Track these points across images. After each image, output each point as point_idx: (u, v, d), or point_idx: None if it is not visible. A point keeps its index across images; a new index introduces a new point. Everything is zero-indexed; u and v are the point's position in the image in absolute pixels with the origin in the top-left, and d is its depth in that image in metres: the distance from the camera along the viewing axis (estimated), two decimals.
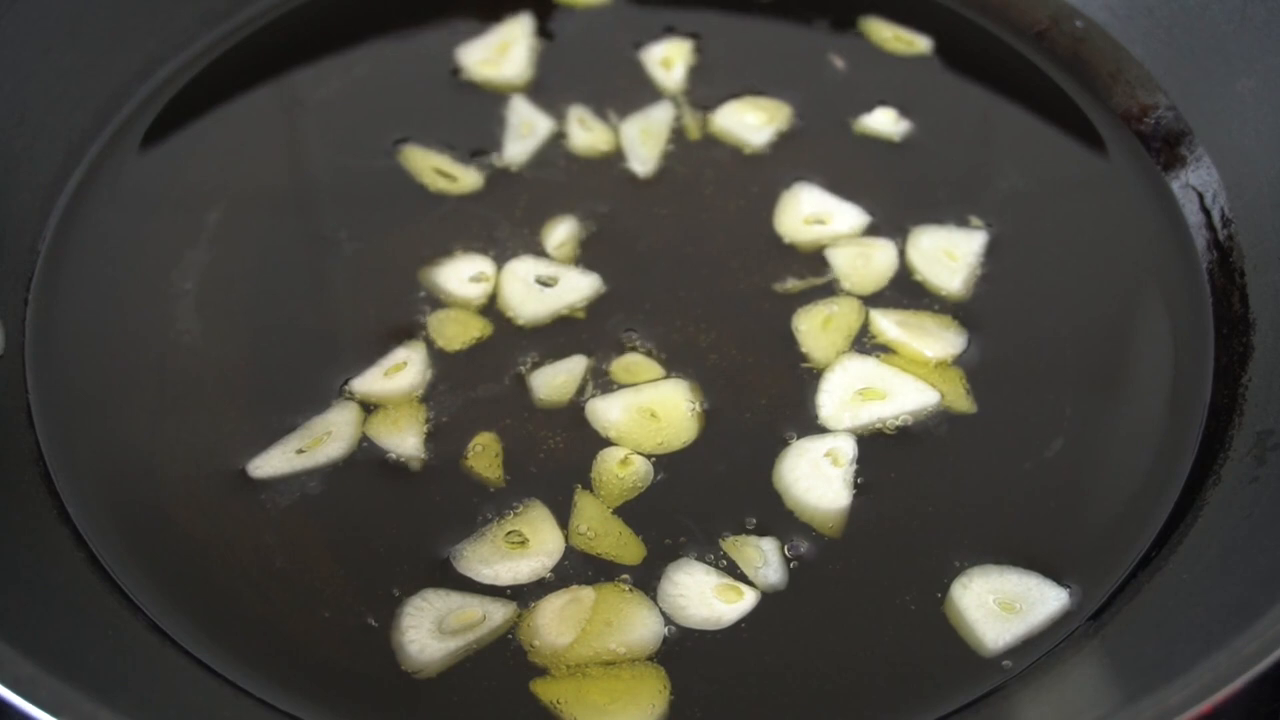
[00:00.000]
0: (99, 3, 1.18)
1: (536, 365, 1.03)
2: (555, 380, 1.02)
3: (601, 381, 1.03)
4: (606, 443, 0.99)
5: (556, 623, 0.91)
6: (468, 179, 1.15)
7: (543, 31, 1.26)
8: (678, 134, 1.19)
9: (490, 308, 1.07)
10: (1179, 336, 1.07)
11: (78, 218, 1.12)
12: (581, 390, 1.02)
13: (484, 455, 0.99)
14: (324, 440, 0.99)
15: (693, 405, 1.01)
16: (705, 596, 0.92)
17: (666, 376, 1.03)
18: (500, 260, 1.09)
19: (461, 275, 1.08)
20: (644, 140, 1.17)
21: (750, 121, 1.20)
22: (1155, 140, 1.19)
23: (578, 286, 1.08)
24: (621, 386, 1.02)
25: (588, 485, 0.97)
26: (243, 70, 1.23)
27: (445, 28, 1.27)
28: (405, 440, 0.99)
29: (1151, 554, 0.95)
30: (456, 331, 1.05)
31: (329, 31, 1.27)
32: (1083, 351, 1.06)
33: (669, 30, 1.26)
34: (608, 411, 1.00)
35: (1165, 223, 1.15)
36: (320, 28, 1.28)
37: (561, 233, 1.11)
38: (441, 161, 1.16)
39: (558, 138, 1.18)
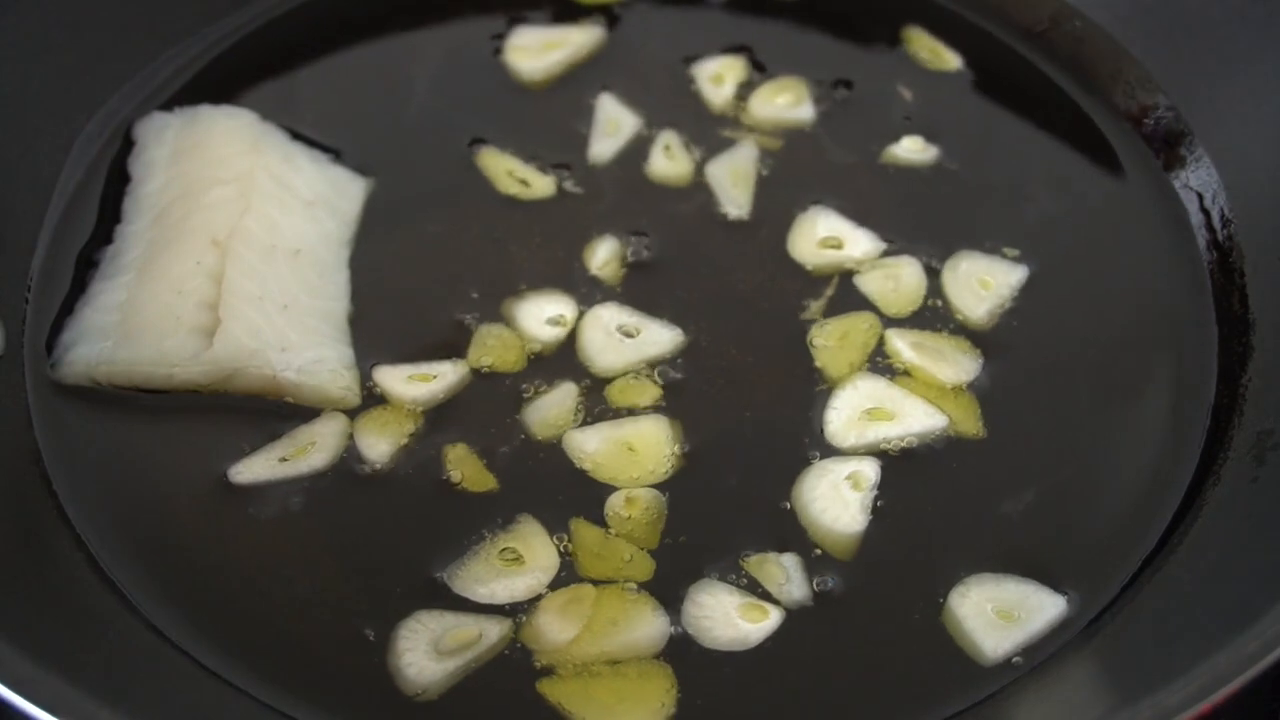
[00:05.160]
0: (99, 2, 1.18)
1: (534, 397, 1.02)
2: (549, 414, 1.01)
3: (596, 407, 1.01)
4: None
5: (558, 620, 0.91)
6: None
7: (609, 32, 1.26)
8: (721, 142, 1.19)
9: (559, 351, 1.05)
10: (1179, 337, 1.07)
11: (78, 217, 1.12)
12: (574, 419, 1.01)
13: (465, 464, 0.98)
14: (307, 450, 0.99)
15: (673, 448, 0.99)
16: (730, 617, 0.91)
17: (662, 400, 1.02)
18: (584, 300, 1.07)
19: (540, 315, 1.06)
20: (734, 182, 1.15)
21: (782, 102, 1.20)
22: (1155, 140, 1.19)
23: (659, 340, 1.05)
24: (614, 412, 1.01)
25: (585, 513, 0.96)
26: (243, 70, 1.23)
27: (478, 23, 1.27)
28: (377, 446, 0.99)
29: (1151, 555, 0.95)
30: (494, 355, 1.03)
31: (335, 29, 1.27)
32: (1085, 355, 1.06)
33: (727, 49, 1.25)
34: (585, 443, 0.99)
35: (1165, 223, 1.15)
36: (325, 27, 1.27)
37: (604, 253, 1.10)
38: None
39: (640, 141, 1.17)
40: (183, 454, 0.99)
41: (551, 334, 1.05)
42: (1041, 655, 0.91)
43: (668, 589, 0.93)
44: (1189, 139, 1.17)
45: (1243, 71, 1.15)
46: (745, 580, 0.93)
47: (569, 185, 1.15)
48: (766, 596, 0.93)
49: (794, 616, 0.92)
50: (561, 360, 1.04)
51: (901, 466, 0.99)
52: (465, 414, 1.01)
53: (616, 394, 1.02)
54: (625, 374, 1.03)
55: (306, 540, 0.96)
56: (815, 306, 1.07)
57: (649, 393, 1.02)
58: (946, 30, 1.27)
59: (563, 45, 1.24)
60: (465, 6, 1.28)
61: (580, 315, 1.06)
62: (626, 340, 1.05)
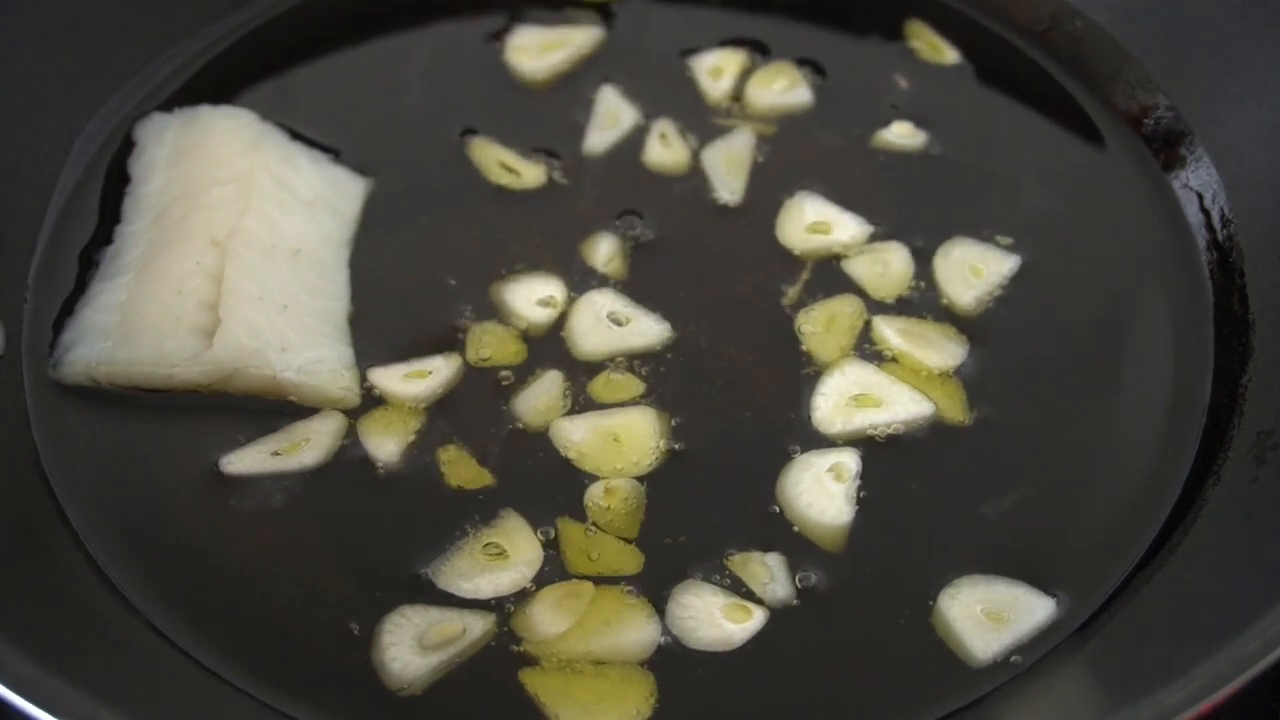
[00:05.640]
0: (99, 2, 1.18)
1: (522, 385, 1.02)
2: (538, 404, 1.01)
3: (581, 395, 1.02)
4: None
5: (552, 612, 0.91)
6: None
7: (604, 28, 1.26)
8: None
9: (548, 333, 1.05)
10: (1179, 337, 1.07)
11: (78, 217, 1.12)
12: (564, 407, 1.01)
13: (459, 461, 0.98)
14: (301, 446, 0.99)
15: (659, 441, 0.99)
16: (714, 617, 0.91)
17: (647, 394, 1.01)
18: (576, 287, 1.07)
19: (531, 296, 1.07)
20: (729, 168, 1.15)
21: (778, 87, 1.20)
22: (1155, 140, 1.19)
23: (646, 333, 1.05)
24: (598, 405, 1.01)
25: (569, 510, 0.96)
26: (242, 70, 1.23)
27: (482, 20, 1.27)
28: (384, 445, 0.99)
29: (1151, 554, 0.95)
30: (490, 348, 1.04)
31: (334, 29, 1.27)
32: (1082, 351, 1.06)
33: (726, 42, 1.25)
34: (572, 432, 0.99)
35: (1165, 223, 1.15)
36: (324, 26, 1.27)
37: (607, 248, 1.10)
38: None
39: (638, 131, 1.18)
40: (182, 454, 0.99)
41: (542, 315, 1.05)
42: (1035, 656, 0.91)
43: (653, 590, 0.93)
44: (1189, 139, 1.17)
45: (1243, 71, 1.15)
46: (729, 580, 0.93)
47: (564, 177, 1.15)
48: (750, 596, 0.93)
49: (778, 617, 0.92)
50: (548, 344, 1.04)
51: (888, 455, 0.99)
52: (465, 407, 1.01)
53: (600, 387, 1.02)
54: (608, 361, 1.03)
55: (304, 538, 0.96)
56: (793, 291, 1.07)
57: (633, 386, 1.02)
58: (947, 27, 1.27)
59: (563, 45, 1.24)
60: (463, 5, 1.28)
61: (573, 299, 1.06)
62: (614, 328, 1.05)
